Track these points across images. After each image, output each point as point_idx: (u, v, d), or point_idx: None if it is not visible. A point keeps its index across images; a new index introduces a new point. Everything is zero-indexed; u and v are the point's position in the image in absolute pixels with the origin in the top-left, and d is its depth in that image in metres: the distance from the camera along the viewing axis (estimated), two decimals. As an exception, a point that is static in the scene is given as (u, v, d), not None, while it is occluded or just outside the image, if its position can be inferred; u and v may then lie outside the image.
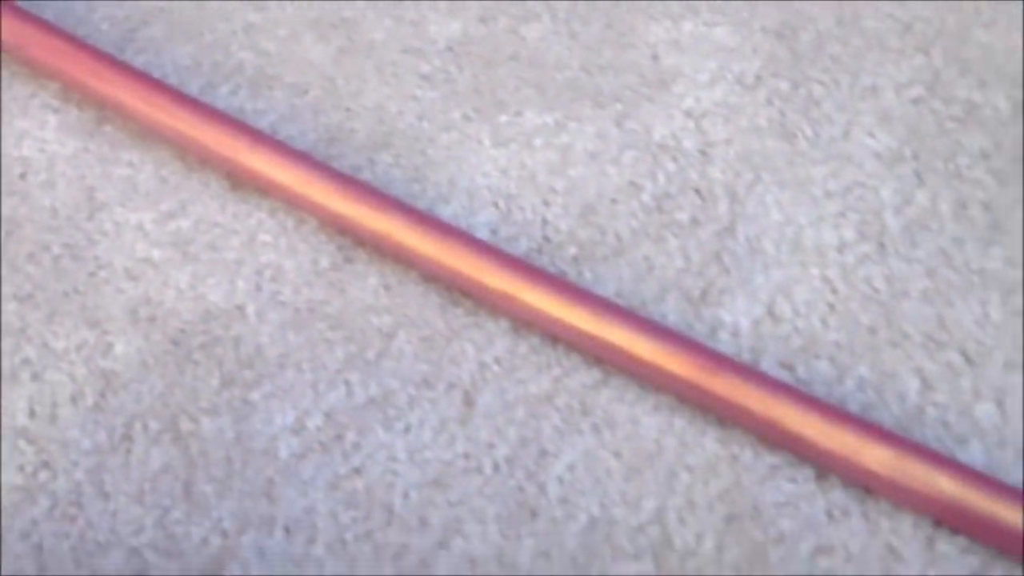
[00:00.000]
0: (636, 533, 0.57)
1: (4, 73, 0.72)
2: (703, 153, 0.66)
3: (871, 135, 0.67)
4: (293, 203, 0.66)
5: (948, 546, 0.55)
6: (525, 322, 0.62)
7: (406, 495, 0.58)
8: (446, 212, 0.66)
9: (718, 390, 0.58)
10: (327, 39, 0.72)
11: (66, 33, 0.69)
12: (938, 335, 0.60)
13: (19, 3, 0.74)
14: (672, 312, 0.62)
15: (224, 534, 0.57)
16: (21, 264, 0.64)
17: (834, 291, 0.62)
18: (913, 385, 0.59)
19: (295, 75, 0.71)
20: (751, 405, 0.58)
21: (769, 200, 0.64)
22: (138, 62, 0.72)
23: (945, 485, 0.55)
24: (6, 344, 0.62)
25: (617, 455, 0.59)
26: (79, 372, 0.61)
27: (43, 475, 0.59)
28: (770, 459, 0.58)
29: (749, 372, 0.59)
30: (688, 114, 0.68)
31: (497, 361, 0.61)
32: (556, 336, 0.61)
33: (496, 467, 0.59)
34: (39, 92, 0.71)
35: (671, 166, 0.66)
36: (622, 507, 0.58)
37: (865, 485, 0.57)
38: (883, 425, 0.58)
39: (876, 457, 0.56)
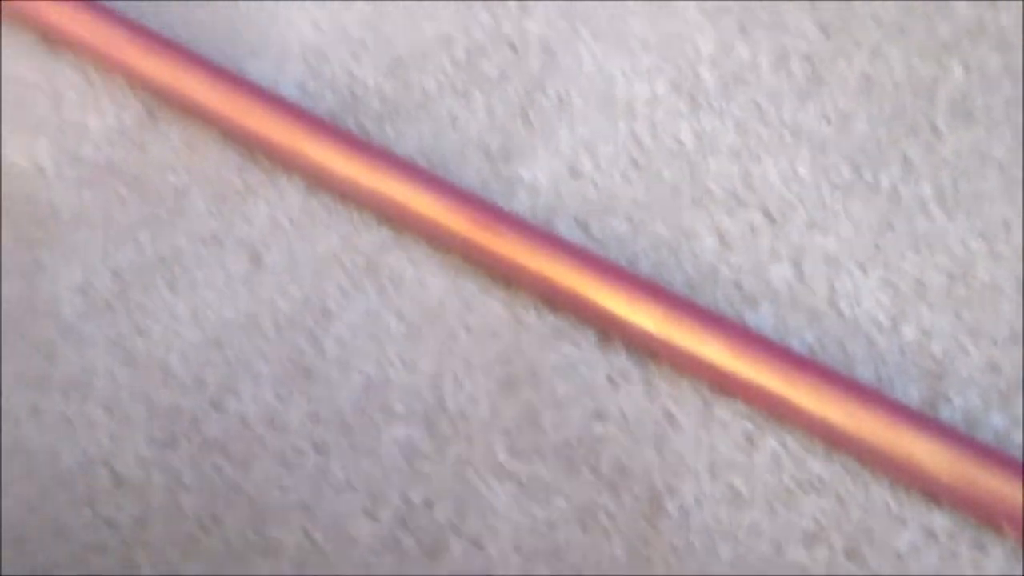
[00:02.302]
0: (410, 395, 0.53)
1: None
2: (521, 5, 0.60)
3: (698, -15, 0.60)
4: (100, 61, 0.61)
5: (724, 411, 0.51)
6: (318, 180, 0.57)
7: (184, 355, 0.54)
8: (257, 68, 0.60)
9: (500, 249, 0.53)
10: None
11: None
12: (742, 193, 0.55)
13: None
14: (472, 169, 0.57)
15: (-1, 393, 0.54)
16: None
17: (639, 146, 0.56)
18: (710, 244, 0.54)
19: None
20: (533, 265, 0.53)
21: (583, 53, 0.58)
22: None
23: (717, 348, 0.50)
24: None
25: (399, 316, 0.54)
26: None
27: None
28: (553, 321, 0.53)
29: (533, 231, 0.53)
30: (510, -36, 0.61)
31: (289, 219, 0.57)
32: (348, 195, 0.56)
33: (277, 327, 0.55)
34: None
35: (486, 18, 0.60)
36: (399, 368, 0.53)
37: (646, 349, 0.52)
38: (672, 287, 0.53)
39: (652, 316, 0.51)
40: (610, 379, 0.52)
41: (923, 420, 0.48)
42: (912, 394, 0.49)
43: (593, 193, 0.55)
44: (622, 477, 0.50)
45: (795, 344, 0.51)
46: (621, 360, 0.52)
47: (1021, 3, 0.56)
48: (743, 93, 0.57)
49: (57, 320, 0.55)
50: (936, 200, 0.53)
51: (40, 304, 0.56)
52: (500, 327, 0.53)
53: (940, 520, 0.48)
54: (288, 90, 0.60)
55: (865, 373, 0.50)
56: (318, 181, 0.57)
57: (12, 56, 0.62)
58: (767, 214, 0.54)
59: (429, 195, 0.54)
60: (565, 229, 0.55)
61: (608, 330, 0.52)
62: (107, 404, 0.54)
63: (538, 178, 0.56)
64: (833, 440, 0.49)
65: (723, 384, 0.51)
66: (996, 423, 0.49)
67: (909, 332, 0.51)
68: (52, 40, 0.62)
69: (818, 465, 0.49)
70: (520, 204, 0.56)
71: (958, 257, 0.52)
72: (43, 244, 0.57)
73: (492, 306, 0.54)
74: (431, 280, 0.54)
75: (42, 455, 0.53)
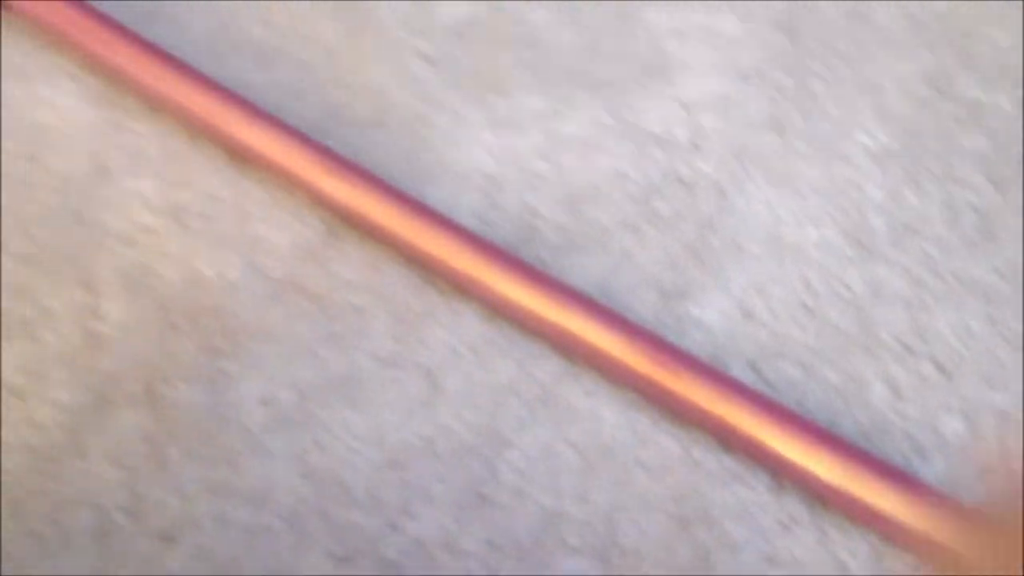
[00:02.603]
0: (585, 528, 0.54)
1: (29, 43, 0.71)
2: (694, 145, 0.62)
3: (867, 132, 0.62)
4: (285, 179, 0.63)
5: (896, 563, 0.51)
6: (496, 309, 0.58)
7: (364, 473, 0.56)
8: (435, 194, 0.62)
9: (678, 388, 0.54)
10: (337, 17, 0.69)
11: (81, 3, 0.67)
12: (913, 343, 0.55)
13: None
14: (645, 306, 0.58)
15: (185, 498, 0.55)
16: (28, 225, 0.63)
17: (810, 291, 0.57)
18: (881, 393, 0.55)
19: (303, 51, 0.68)
20: (710, 406, 0.54)
21: (755, 195, 0.60)
22: (155, 33, 0.69)
23: (890, 499, 0.50)
24: (5, 302, 0.61)
25: (574, 447, 0.55)
26: (70, 332, 0.60)
27: (25, 430, 0.57)
28: (728, 462, 0.54)
29: (711, 372, 0.55)
30: (683, 105, 0.63)
31: (466, 345, 0.58)
32: (525, 325, 0.58)
33: (454, 451, 0.56)
34: (61, 61, 0.70)
35: (660, 156, 0.62)
36: (574, 501, 0.54)
37: (818, 495, 0.52)
38: (843, 435, 0.54)
39: (829, 467, 0.52)
40: (782, 523, 0.53)
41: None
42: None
43: (765, 336, 0.56)
44: (795, 623, 0.51)
45: (968, 498, 0.52)
46: (794, 505, 0.53)
47: None
48: (913, 242, 0.58)
49: (241, 430, 0.57)
50: (1112, 363, 0.53)
51: (225, 413, 0.58)
52: (674, 465, 0.54)
53: None
54: (466, 217, 0.62)
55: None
56: (495, 308, 0.59)
57: (204, 173, 0.64)
58: (938, 365, 0.55)
59: (606, 329, 0.56)
60: (737, 370, 0.56)
61: (781, 474, 0.53)
62: (287, 517, 0.55)
63: (710, 317, 0.57)
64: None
65: (895, 535, 0.51)
66: None
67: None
68: (241, 159, 0.64)
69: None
70: (692, 342, 0.57)
71: None
72: (229, 355, 0.59)
73: (666, 443, 0.55)
74: (606, 413, 0.56)
75: (225, 563, 0.55)
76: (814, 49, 0.65)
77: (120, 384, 0.58)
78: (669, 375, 0.54)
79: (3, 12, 0.70)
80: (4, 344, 0.60)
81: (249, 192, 0.64)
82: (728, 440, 0.54)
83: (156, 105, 0.65)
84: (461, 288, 0.59)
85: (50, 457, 0.57)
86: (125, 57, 0.66)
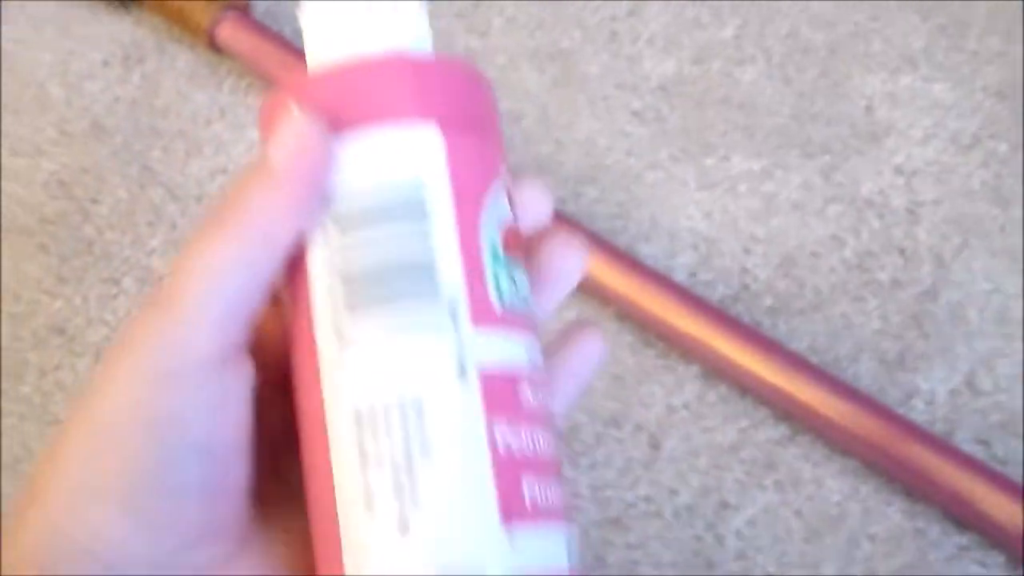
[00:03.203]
0: (812, 597, 0.53)
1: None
2: (911, 212, 0.61)
3: (1091, 206, 0.61)
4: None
5: None
6: (715, 370, 0.58)
7: (586, 532, 0.56)
8: (646, 251, 0.62)
9: (907, 459, 0.54)
10: (544, 69, 0.69)
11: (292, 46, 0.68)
12: None
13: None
14: (866, 374, 0.57)
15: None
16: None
17: (1038, 368, 0.56)
18: (1116, 475, 0.53)
19: (511, 102, 0.68)
20: (941, 479, 0.53)
21: (976, 266, 0.59)
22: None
23: None
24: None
25: (799, 515, 0.55)
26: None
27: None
28: (958, 538, 0.53)
29: (941, 444, 0.54)
30: (898, 171, 0.63)
31: (685, 406, 0.58)
32: (745, 387, 0.58)
33: (676, 514, 0.56)
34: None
35: (876, 223, 0.61)
36: (800, 569, 0.54)
37: (1056, 577, 0.52)
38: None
39: (1071, 551, 0.51)
40: (1015, 603, 0.52)
41: None
42: None
43: (993, 411, 0.56)
44: None
45: None
46: (1027, 585, 0.52)
47: None
48: None
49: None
50: None
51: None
52: (902, 537, 0.54)
53: None
54: (679, 276, 0.62)
55: None
56: (714, 370, 0.58)
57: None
58: None
59: (831, 395, 0.55)
60: (964, 444, 0.55)
61: (1016, 552, 0.52)
62: (509, 572, 0.56)
63: (936, 389, 0.57)
64: None
65: None
66: None
67: None
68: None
69: None
70: (916, 413, 0.56)
71: None
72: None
73: (893, 515, 0.54)
74: (830, 482, 0.55)
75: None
76: (1029, 117, 0.64)
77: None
78: (897, 444, 0.54)
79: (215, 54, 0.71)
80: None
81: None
82: (959, 515, 0.53)
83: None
84: (679, 347, 0.59)
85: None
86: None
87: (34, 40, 0.75)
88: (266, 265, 0.28)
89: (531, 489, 0.27)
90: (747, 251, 0.62)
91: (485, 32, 0.71)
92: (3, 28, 0.76)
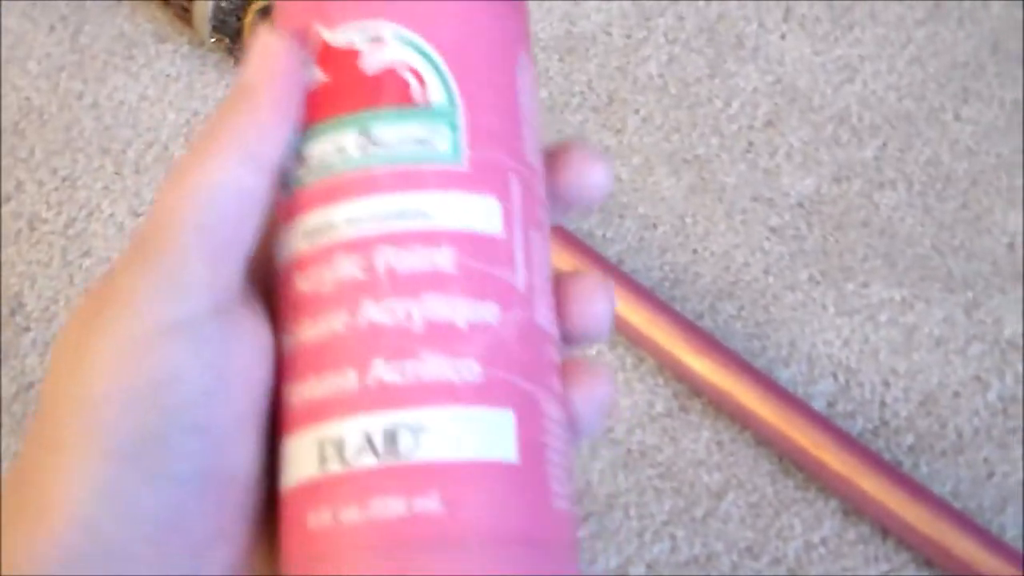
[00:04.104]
0: None
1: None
2: (1055, 360, 0.60)
3: None
4: (635, 341, 0.62)
5: None
6: (856, 507, 0.57)
7: (722, 667, 0.55)
8: (784, 375, 0.61)
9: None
10: (679, 174, 0.68)
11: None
12: None
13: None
14: (1012, 525, 0.56)
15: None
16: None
17: None
18: None
19: (646, 207, 0.67)
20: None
21: (1122, 422, 0.58)
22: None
23: None
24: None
25: (941, 668, 0.54)
26: None
27: None
28: None
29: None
30: (1042, 314, 0.62)
31: (824, 543, 0.57)
32: (888, 528, 0.56)
33: (815, 656, 0.55)
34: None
35: (1021, 367, 0.60)
36: None
37: None
38: None
39: None
40: None
41: None
42: None
43: None
44: None
45: None
46: None
47: None
48: None
49: (596, 605, 0.56)
50: None
51: (578, 584, 0.57)
52: None
53: None
54: (818, 404, 0.60)
55: None
56: (855, 507, 0.57)
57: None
58: None
59: (976, 546, 0.54)
60: (1110, 607, 0.54)
61: None
62: None
63: (1082, 548, 0.55)
64: None
65: None
66: None
67: None
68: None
69: None
70: (1061, 571, 0.55)
71: None
72: (579, 522, 0.58)
73: (1038, 678, 0.53)
74: (973, 637, 0.54)
75: None
76: None
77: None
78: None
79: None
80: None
81: (593, 349, 0.63)
82: None
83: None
84: (819, 480, 0.58)
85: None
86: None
87: (158, 97, 0.74)
88: (257, 186, 0.25)
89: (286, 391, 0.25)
90: (887, 384, 0.60)
91: (620, 130, 0.70)
92: (127, 82, 0.74)
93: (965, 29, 0.71)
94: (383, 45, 0.26)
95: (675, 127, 0.70)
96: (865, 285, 0.64)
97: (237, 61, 0.73)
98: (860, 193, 0.67)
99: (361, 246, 0.25)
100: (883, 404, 0.60)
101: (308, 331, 0.25)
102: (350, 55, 0.26)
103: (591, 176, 0.28)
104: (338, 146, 0.25)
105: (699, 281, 0.65)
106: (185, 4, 0.72)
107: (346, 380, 0.24)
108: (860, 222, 0.66)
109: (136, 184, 0.71)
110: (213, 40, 0.72)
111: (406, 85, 0.26)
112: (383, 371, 0.24)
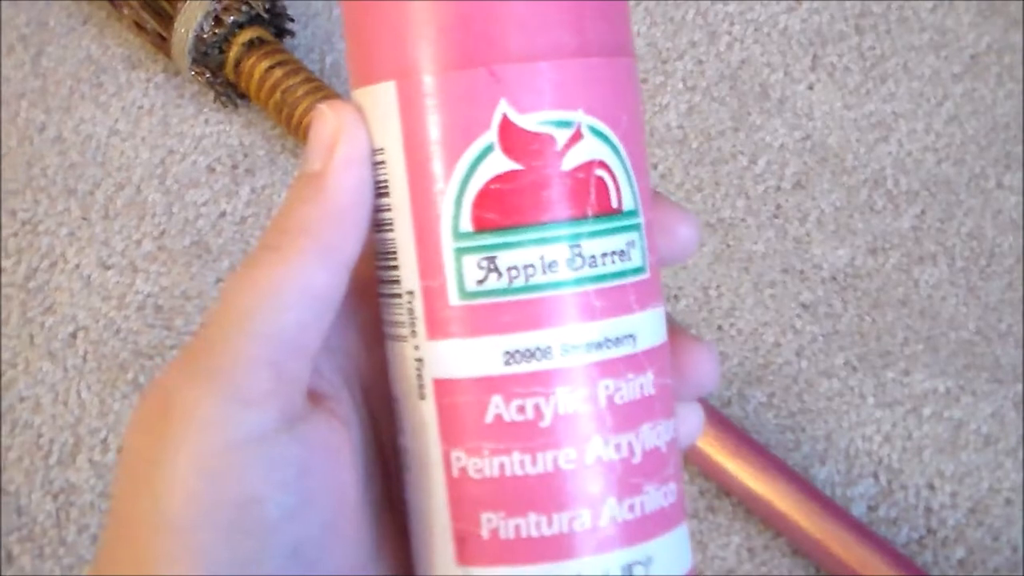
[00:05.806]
0: None
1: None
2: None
3: None
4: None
5: None
6: (902, 629, 0.51)
7: None
8: (822, 475, 0.55)
9: None
10: (702, 239, 0.61)
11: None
12: None
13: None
14: (1070, 654, 0.51)
15: None
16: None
17: None
18: None
19: (666, 275, 0.60)
20: None
21: None
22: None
23: None
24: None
25: None
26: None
27: None
28: None
29: None
30: (1097, 412, 0.56)
31: (868, 670, 0.51)
32: (937, 656, 0.50)
33: None
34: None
35: (1075, 471, 0.54)
36: None
37: None
38: None
39: None
40: None
41: None
42: None
43: None
44: None
45: None
46: None
47: None
48: None
49: None
50: None
51: None
52: None
53: None
54: (857, 507, 0.54)
55: None
56: (901, 631, 0.51)
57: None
58: None
59: None
60: None
61: None
62: None
63: None
64: None
65: None
66: None
67: None
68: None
69: None
70: None
71: None
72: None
73: None
74: None
75: None
76: None
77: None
78: None
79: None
80: None
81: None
82: None
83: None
84: (860, 598, 0.52)
85: None
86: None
87: (130, 132, 0.66)
88: (330, 285, 0.23)
89: (493, 523, 0.23)
90: (932, 488, 0.54)
91: (638, 188, 0.63)
92: (95, 113, 0.66)
93: (1005, 87, 0.65)
94: (578, 137, 0.23)
95: (697, 185, 0.63)
96: (906, 373, 0.57)
97: (218, 96, 0.65)
98: (897, 267, 0.60)
99: (581, 377, 0.23)
100: (928, 510, 0.54)
101: (517, 463, 0.23)
102: (546, 142, 0.23)
103: (680, 232, 0.26)
104: (546, 259, 0.23)
105: (726, 363, 0.58)
106: (162, 32, 0.64)
107: (579, 520, 0.23)
108: (898, 300, 0.59)
109: (105, 231, 0.63)
110: (193, 73, 0.64)
111: (606, 189, 0.24)
112: (616, 510, 0.23)
